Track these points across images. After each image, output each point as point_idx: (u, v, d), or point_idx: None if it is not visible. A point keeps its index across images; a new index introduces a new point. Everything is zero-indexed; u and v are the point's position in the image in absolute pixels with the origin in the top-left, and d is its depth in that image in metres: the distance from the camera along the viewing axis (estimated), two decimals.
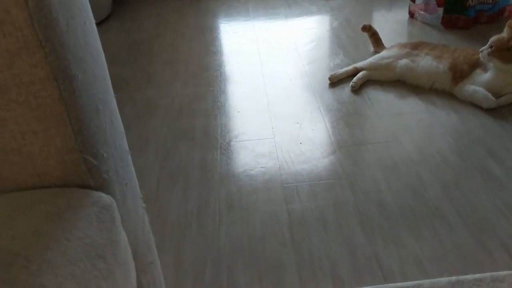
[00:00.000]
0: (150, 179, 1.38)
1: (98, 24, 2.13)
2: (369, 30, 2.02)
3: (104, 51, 0.67)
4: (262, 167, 1.40)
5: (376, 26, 2.08)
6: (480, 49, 1.61)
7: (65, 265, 0.49)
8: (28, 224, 0.54)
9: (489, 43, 1.59)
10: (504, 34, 1.57)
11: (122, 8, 2.71)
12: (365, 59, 1.90)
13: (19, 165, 0.60)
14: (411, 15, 2.39)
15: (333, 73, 1.85)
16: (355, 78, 1.80)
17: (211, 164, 1.43)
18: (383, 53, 1.86)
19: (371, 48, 2.05)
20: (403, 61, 1.78)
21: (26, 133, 0.57)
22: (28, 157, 0.59)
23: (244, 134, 1.57)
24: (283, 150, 1.48)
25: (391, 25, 2.36)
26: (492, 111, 1.58)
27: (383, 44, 1.99)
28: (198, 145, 1.52)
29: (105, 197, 0.61)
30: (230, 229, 1.18)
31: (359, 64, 1.86)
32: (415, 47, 1.81)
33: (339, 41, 2.21)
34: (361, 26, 2.05)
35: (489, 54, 1.57)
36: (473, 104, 1.61)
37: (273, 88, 1.84)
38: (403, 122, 1.57)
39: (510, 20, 1.57)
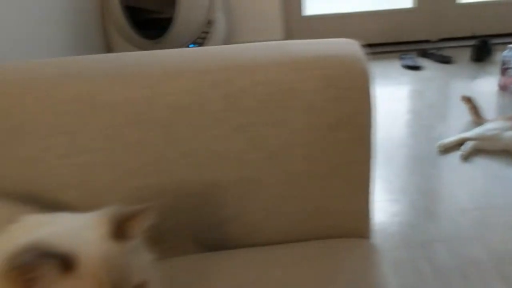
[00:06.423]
0: None
1: None
2: (469, 102, 2.23)
3: None
4: None
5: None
6: None
7: None
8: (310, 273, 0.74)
9: None
10: None
11: None
12: (462, 128, 2.08)
13: (320, 219, 0.82)
14: (503, 88, 2.56)
15: (441, 142, 2.05)
16: (463, 147, 1.99)
17: None
18: (490, 125, 2.05)
19: (467, 118, 2.24)
20: (509, 133, 1.97)
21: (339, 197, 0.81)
22: (331, 214, 0.81)
23: None
24: None
25: (479, 95, 2.55)
26: None
27: (482, 115, 2.19)
28: None
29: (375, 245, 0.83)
30: None
31: (466, 134, 2.06)
32: None
33: (436, 110, 2.42)
34: (461, 97, 2.27)
35: None
36: None
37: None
38: None
39: None
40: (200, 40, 2.67)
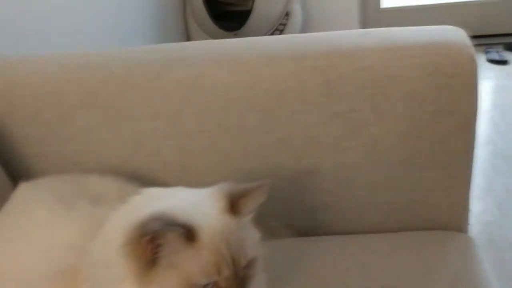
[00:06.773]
0: None
1: None
2: None
3: None
4: None
5: None
6: None
7: None
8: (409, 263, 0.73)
9: None
10: None
11: None
12: None
13: (415, 210, 0.81)
14: None
15: None
16: None
17: None
18: None
19: None
20: None
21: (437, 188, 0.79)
22: (427, 206, 0.80)
23: None
24: None
25: None
26: None
27: None
28: None
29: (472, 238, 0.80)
30: None
31: None
32: None
33: None
34: None
35: None
36: None
37: None
38: None
39: None
40: (277, 32, 2.68)
